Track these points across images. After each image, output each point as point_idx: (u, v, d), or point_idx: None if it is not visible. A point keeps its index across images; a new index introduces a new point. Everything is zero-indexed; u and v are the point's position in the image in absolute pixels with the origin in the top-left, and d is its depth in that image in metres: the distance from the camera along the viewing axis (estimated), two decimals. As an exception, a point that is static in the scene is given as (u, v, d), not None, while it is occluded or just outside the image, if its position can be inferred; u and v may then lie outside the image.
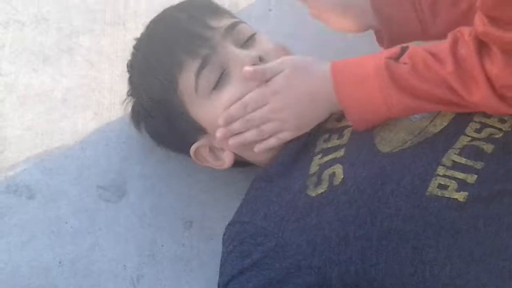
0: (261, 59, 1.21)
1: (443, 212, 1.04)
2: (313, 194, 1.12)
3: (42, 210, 1.30)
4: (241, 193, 1.27)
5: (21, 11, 1.57)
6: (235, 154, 1.25)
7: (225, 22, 1.25)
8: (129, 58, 1.32)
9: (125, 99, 1.34)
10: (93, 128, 1.41)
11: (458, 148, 1.09)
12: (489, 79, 1.04)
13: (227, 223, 1.22)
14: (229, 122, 1.20)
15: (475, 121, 1.12)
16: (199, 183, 1.34)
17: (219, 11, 1.28)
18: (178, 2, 1.32)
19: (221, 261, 1.17)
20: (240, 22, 1.27)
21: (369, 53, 1.21)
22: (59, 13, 1.58)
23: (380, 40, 1.31)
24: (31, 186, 1.33)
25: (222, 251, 1.18)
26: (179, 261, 1.27)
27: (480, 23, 1.03)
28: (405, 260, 1.05)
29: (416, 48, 1.12)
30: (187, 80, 1.22)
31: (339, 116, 1.21)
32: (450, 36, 1.10)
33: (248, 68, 1.19)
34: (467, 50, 1.06)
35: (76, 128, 1.41)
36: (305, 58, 1.20)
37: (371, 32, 1.34)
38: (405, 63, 1.10)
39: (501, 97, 1.05)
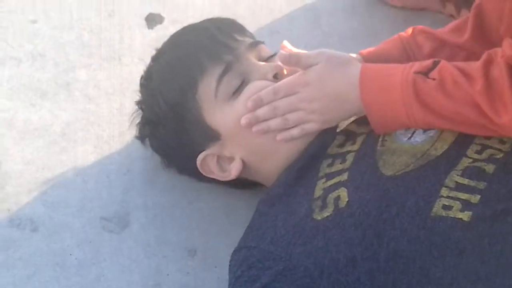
0: (282, 71, 1.25)
1: (448, 232, 1.06)
2: (319, 218, 1.14)
3: (46, 242, 1.31)
4: (242, 221, 1.28)
5: (17, 48, 1.60)
6: (243, 163, 1.27)
7: (249, 39, 1.31)
8: (146, 70, 1.35)
9: (133, 113, 1.36)
10: (93, 161, 1.42)
11: (460, 170, 1.11)
12: None
13: (230, 250, 1.22)
14: (258, 105, 1.23)
15: (476, 143, 1.14)
16: (201, 211, 1.35)
17: (244, 30, 1.33)
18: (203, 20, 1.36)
19: (229, 287, 1.18)
20: (262, 42, 1.32)
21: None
22: (55, 49, 1.60)
23: None
24: (34, 219, 1.33)
25: (229, 277, 1.18)
26: (185, 290, 1.28)
27: (508, 46, 1.06)
28: (412, 280, 1.07)
29: (448, 64, 1.14)
30: (207, 84, 1.25)
31: (342, 142, 1.23)
32: (484, 55, 1.12)
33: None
34: (499, 70, 1.09)
35: (77, 162, 1.42)
36: (341, 55, 1.23)
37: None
38: (433, 79, 1.12)
39: None
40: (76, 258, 1.29)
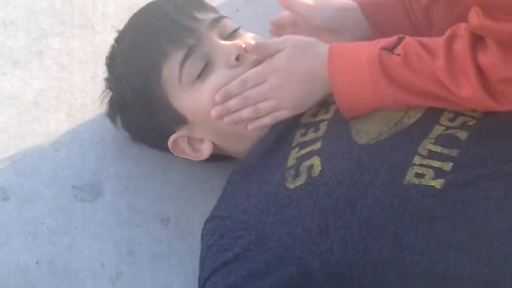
0: (245, 51, 1.23)
1: (420, 200, 1.06)
2: (292, 187, 1.14)
3: (17, 211, 1.30)
4: (215, 190, 1.28)
5: (-12, 16, 1.57)
6: (213, 145, 1.27)
7: (210, 15, 1.28)
8: (110, 50, 1.33)
9: (102, 93, 1.35)
10: (66, 129, 1.41)
11: (433, 138, 1.11)
12: (481, 74, 1.06)
13: (203, 219, 1.22)
14: (226, 98, 1.22)
15: (449, 111, 1.14)
16: (174, 181, 1.35)
17: (204, 5, 1.30)
18: None
19: (201, 256, 1.18)
20: (224, 16, 1.30)
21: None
22: (27, 17, 1.58)
23: None
24: (5, 188, 1.32)
25: (202, 246, 1.18)
26: (158, 258, 1.27)
27: (475, 16, 1.05)
28: (385, 248, 1.07)
29: (412, 40, 1.13)
30: (171, 69, 1.23)
31: (315, 111, 1.22)
32: (448, 31, 1.12)
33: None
34: (461, 44, 1.08)
35: (49, 130, 1.40)
36: (307, 38, 1.22)
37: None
38: (398, 55, 1.12)
39: (491, 93, 1.06)
40: (47, 227, 1.28)
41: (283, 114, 1.22)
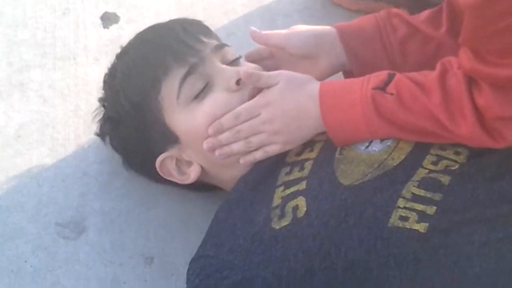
0: (244, 80, 1.25)
1: (405, 243, 1.07)
2: (278, 227, 1.14)
3: (0, 249, 1.29)
4: (200, 227, 1.28)
5: (-31, 46, 1.57)
6: (201, 169, 1.27)
7: (215, 41, 1.30)
8: (109, 68, 1.34)
9: (95, 110, 1.35)
10: (49, 164, 1.41)
11: (417, 181, 1.12)
12: (477, 112, 1.08)
13: (187, 258, 1.22)
14: (219, 132, 1.23)
15: (432, 154, 1.16)
16: (157, 218, 1.35)
17: (210, 32, 1.33)
18: (170, 19, 1.35)
19: (186, 296, 1.18)
20: (227, 45, 1.32)
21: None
22: (8, 48, 1.58)
23: (346, 75, 1.34)
24: (-12, 225, 1.32)
25: (188, 286, 1.18)
26: (142, 298, 1.27)
27: (466, 59, 1.07)
28: (369, 290, 1.08)
29: (403, 77, 1.15)
30: (170, 85, 1.25)
31: (300, 150, 1.24)
32: (438, 66, 1.14)
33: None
34: (456, 81, 1.10)
35: (31, 165, 1.40)
36: (301, 76, 1.23)
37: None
38: (391, 94, 1.13)
39: (488, 130, 1.09)
40: (31, 265, 1.28)
41: (274, 148, 1.24)
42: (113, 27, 1.63)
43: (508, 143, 1.10)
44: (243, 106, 1.23)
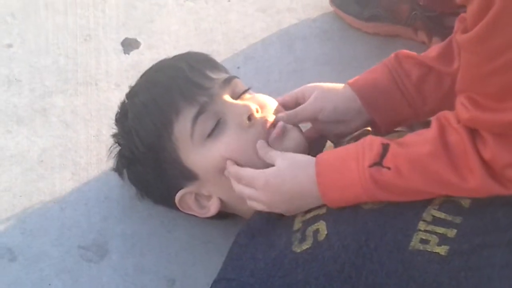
0: (257, 111, 1.26)
1: (425, 266, 1.08)
2: (298, 250, 1.16)
3: (24, 272, 1.31)
4: (220, 250, 1.30)
5: (-7, 72, 1.59)
6: (221, 202, 1.29)
7: (222, 75, 1.31)
8: (120, 105, 1.35)
9: (110, 148, 1.36)
10: (71, 188, 1.43)
11: (437, 204, 1.13)
12: (485, 164, 1.06)
13: (208, 280, 1.23)
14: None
15: None
16: (179, 241, 1.36)
17: (216, 65, 1.34)
18: (175, 54, 1.36)
19: (208, 319, 1.19)
20: (236, 77, 1.33)
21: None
22: (31, 74, 1.61)
23: (377, 129, 1.33)
24: (13, 249, 1.33)
25: (210, 309, 1.20)
26: (164, 320, 1.29)
27: (463, 109, 1.06)
28: (390, 313, 1.09)
29: (398, 149, 1.12)
30: (183, 126, 1.26)
31: None
32: (434, 123, 1.12)
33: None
34: (457, 137, 1.08)
35: (54, 189, 1.42)
36: (301, 159, 1.21)
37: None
38: (388, 168, 1.11)
39: (499, 180, 1.07)
40: (55, 288, 1.30)
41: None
42: (134, 53, 1.65)
43: None
44: (246, 172, 1.23)
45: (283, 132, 1.27)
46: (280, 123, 1.27)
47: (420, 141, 1.12)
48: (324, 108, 1.31)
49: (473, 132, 1.08)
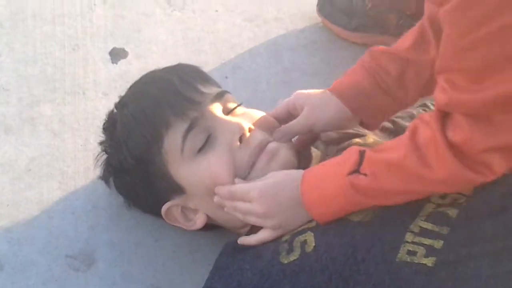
0: (249, 130, 1.26)
1: (413, 277, 1.09)
2: (286, 261, 1.16)
3: (10, 281, 1.30)
4: (207, 259, 1.30)
5: (-20, 81, 1.59)
6: (207, 216, 1.29)
7: (214, 89, 1.31)
8: (108, 114, 1.35)
9: (97, 155, 1.36)
10: (59, 197, 1.43)
11: (425, 215, 1.14)
12: (455, 149, 1.06)
13: (196, 290, 1.25)
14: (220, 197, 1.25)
15: None
16: (166, 249, 1.36)
17: (208, 79, 1.33)
18: (166, 66, 1.36)
19: (195, 329, 1.20)
20: (227, 91, 1.32)
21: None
22: (19, 83, 1.61)
23: (366, 127, 1.35)
24: None
25: (196, 318, 1.20)
26: (151, 329, 1.29)
27: (442, 94, 1.06)
28: (377, 324, 1.10)
29: (372, 154, 1.13)
30: (173, 140, 1.26)
31: None
32: (408, 129, 1.12)
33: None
34: (427, 131, 1.08)
35: (42, 198, 1.42)
36: (290, 174, 1.21)
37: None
38: (365, 174, 1.12)
39: (472, 167, 1.07)
40: (42, 298, 1.29)
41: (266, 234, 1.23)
42: (122, 62, 1.66)
43: (497, 175, 1.08)
44: (239, 187, 1.23)
45: (272, 155, 1.26)
46: (270, 146, 1.26)
47: (394, 145, 1.13)
48: (318, 121, 1.31)
49: (445, 120, 1.07)
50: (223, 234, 1.33)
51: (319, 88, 1.61)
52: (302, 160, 1.31)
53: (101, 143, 1.37)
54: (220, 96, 1.30)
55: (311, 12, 1.76)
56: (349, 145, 1.31)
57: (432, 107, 1.45)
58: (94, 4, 1.76)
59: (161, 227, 1.38)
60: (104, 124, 1.36)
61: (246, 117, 1.30)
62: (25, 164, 1.47)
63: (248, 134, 1.26)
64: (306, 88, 1.61)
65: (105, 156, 1.36)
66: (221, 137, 1.26)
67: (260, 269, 1.17)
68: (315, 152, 1.35)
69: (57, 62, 1.64)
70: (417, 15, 1.62)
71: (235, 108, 1.31)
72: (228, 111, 1.30)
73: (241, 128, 1.25)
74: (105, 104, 1.54)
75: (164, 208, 1.30)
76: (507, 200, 1.12)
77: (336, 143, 1.35)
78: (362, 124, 1.34)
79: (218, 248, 1.27)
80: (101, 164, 1.37)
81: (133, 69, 1.62)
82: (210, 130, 1.26)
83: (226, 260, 1.24)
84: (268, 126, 1.31)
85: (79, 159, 1.48)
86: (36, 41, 1.68)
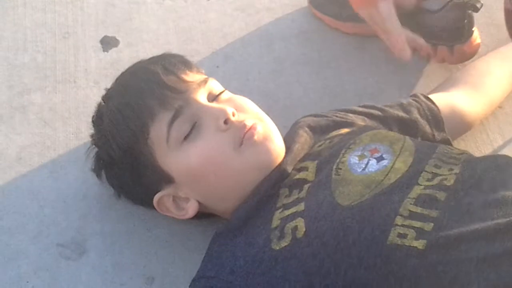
0: (233, 114, 1.26)
1: (404, 260, 1.09)
2: (277, 248, 1.16)
3: (1, 270, 1.30)
4: (200, 247, 1.30)
5: (-30, 70, 1.59)
6: (198, 204, 1.29)
7: (198, 77, 1.31)
8: (96, 108, 1.35)
9: (88, 149, 1.36)
10: (50, 186, 1.42)
11: (413, 198, 1.14)
12: None
13: (188, 278, 1.24)
14: None
15: (427, 171, 1.18)
16: (158, 238, 1.36)
17: (191, 67, 1.33)
18: (151, 57, 1.35)
19: (188, 316, 1.20)
20: (211, 78, 1.32)
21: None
22: (9, 71, 1.60)
23: None
24: (-10, 246, 1.33)
25: (189, 306, 1.20)
26: (143, 318, 1.28)
27: None
28: (369, 308, 1.10)
29: None
30: (159, 130, 1.26)
31: (296, 171, 1.26)
32: None
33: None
34: None
35: (33, 187, 1.42)
36: None
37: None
38: None
39: None
40: (33, 286, 1.29)
41: None
42: (113, 51, 1.65)
43: None
44: None
45: (258, 139, 1.26)
46: (258, 130, 1.26)
47: None
48: None
49: None
50: (215, 223, 1.33)
51: (310, 78, 1.63)
52: (287, 140, 1.31)
53: (91, 136, 1.37)
54: (204, 83, 1.30)
55: (303, 1, 1.76)
56: (337, 134, 1.32)
57: (422, 97, 1.45)
58: (85, -8, 1.75)
59: (153, 217, 1.38)
60: (92, 117, 1.36)
61: (231, 103, 1.29)
62: (15, 153, 1.46)
63: (232, 118, 1.26)
64: (297, 77, 1.63)
65: (95, 150, 1.36)
66: (206, 123, 1.26)
67: (252, 255, 1.17)
68: (303, 137, 1.34)
69: (48, 50, 1.63)
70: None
71: (220, 94, 1.31)
72: (213, 98, 1.30)
73: (225, 112, 1.25)
74: (96, 93, 1.54)
75: (155, 199, 1.30)
76: (496, 181, 1.13)
77: (324, 132, 1.35)
78: None
79: (210, 237, 1.27)
80: (92, 157, 1.37)
81: (124, 58, 1.62)
82: (195, 118, 1.26)
83: (218, 248, 1.24)
84: (252, 111, 1.30)
85: (70, 147, 1.48)
86: (27, 29, 1.67)
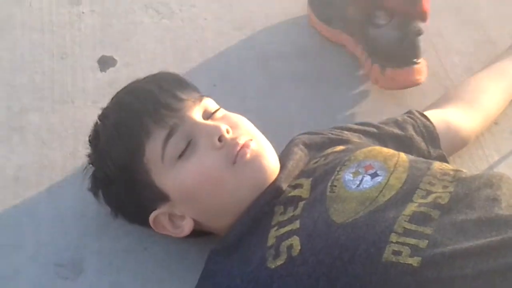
0: (228, 132, 1.27)
1: (399, 277, 1.09)
2: (273, 266, 1.16)
3: (-1, 290, 1.31)
4: (197, 266, 1.29)
5: (-32, 91, 1.59)
6: (194, 221, 1.29)
7: (193, 95, 1.31)
8: (93, 127, 1.36)
9: (84, 168, 1.37)
10: (47, 205, 1.43)
11: (408, 215, 1.14)
12: None
13: (185, 297, 1.25)
14: None
15: (421, 189, 1.19)
16: (155, 257, 1.36)
17: (186, 85, 1.34)
18: (146, 76, 1.37)
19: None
20: (206, 96, 1.33)
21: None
22: (7, 92, 1.61)
23: None
24: (-13, 266, 1.33)
25: (185, 325, 1.20)
26: (140, 337, 1.29)
27: None
28: (365, 325, 1.10)
29: None
30: (154, 148, 1.26)
31: (291, 189, 1.26)
32: None
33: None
34: None
35: (30, 206, 1.42)
36: None
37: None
38: None
39: None
40: (30, 306, 1.29)
41: None
42: (110, 70, 1.66)
43: None
44: None
45: (251, 156, 1.26)
46: (251, 148, 1.27)
47: None
48: None
49: None
50: (212, 241, 1.33)
51: (307, 94, 1.63)
52: (282, 158, 1.32)
53: (88, 156, 1.38)
54: (199, 101, 1.31)
55: (300, 19, 1.77)
56: (332, 152, 1.32)
57: (417, 114, 1.46)
58: (83, 13, 1.76)
59: (150, 235, 1.38)
60: (89, 136, 1.37)
61: (225, 120, 1.30)
62: (13, 172, 1.47)
63: (226, 135, 1.26)
64: (294, 95, 1.63)
65: (92, 169, 1.37)
66: (201, 141, 1.26)
67: (248, 274, 1.17)
68: (297, 154, 1.35)
69: (46, 71, 1.65)
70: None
71: (215, 112, 1.32)
72: (208, 116, 1.31)
73: (219, 129, 1.26)
74: (94, 112, 1.52)
75: (151, 217, 1.30)
76: (489, 199, 1.14)
77: (319, 149, 1.35)
78: None
79: (207, 255, 1.27)
80: (89, 176, 1.38)
81: (122, 77, 1.63)
82: (190, 136, 1.27)
83: (214, 266, 1.24)
84: (246, 128, 1.31)
85: (67, 167, 1.49)
86: (25, 49, 1.68)
